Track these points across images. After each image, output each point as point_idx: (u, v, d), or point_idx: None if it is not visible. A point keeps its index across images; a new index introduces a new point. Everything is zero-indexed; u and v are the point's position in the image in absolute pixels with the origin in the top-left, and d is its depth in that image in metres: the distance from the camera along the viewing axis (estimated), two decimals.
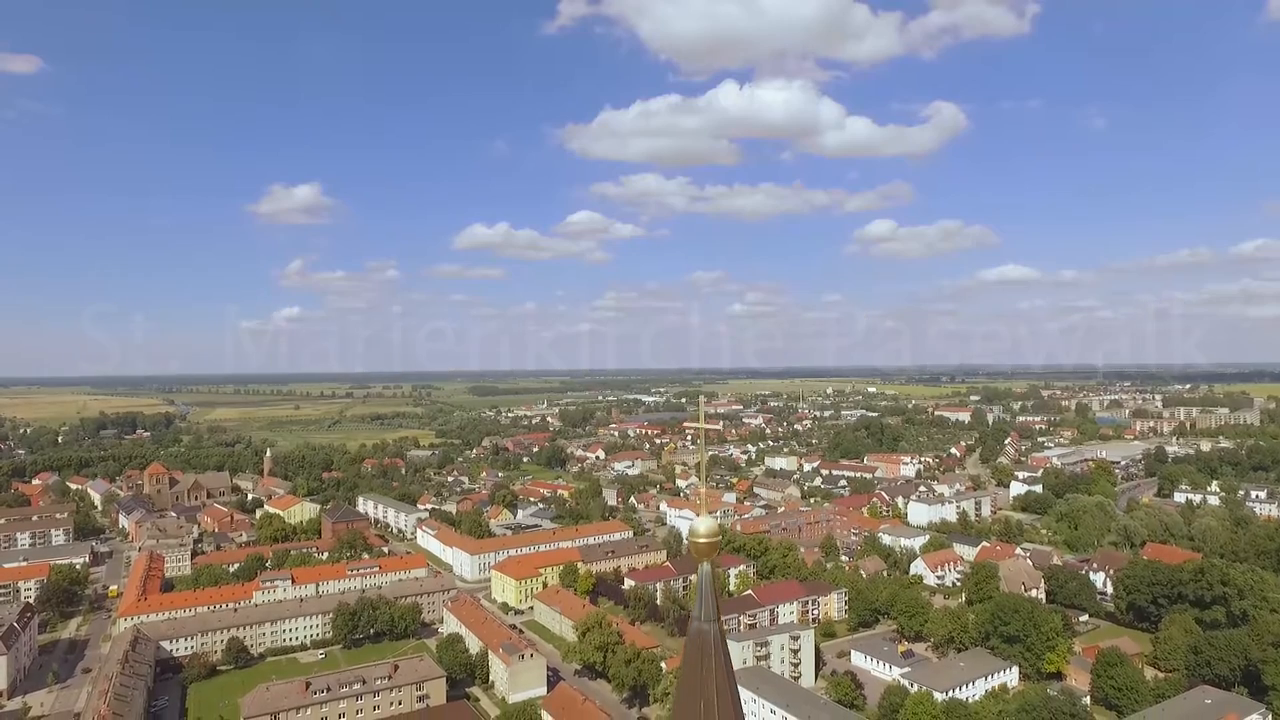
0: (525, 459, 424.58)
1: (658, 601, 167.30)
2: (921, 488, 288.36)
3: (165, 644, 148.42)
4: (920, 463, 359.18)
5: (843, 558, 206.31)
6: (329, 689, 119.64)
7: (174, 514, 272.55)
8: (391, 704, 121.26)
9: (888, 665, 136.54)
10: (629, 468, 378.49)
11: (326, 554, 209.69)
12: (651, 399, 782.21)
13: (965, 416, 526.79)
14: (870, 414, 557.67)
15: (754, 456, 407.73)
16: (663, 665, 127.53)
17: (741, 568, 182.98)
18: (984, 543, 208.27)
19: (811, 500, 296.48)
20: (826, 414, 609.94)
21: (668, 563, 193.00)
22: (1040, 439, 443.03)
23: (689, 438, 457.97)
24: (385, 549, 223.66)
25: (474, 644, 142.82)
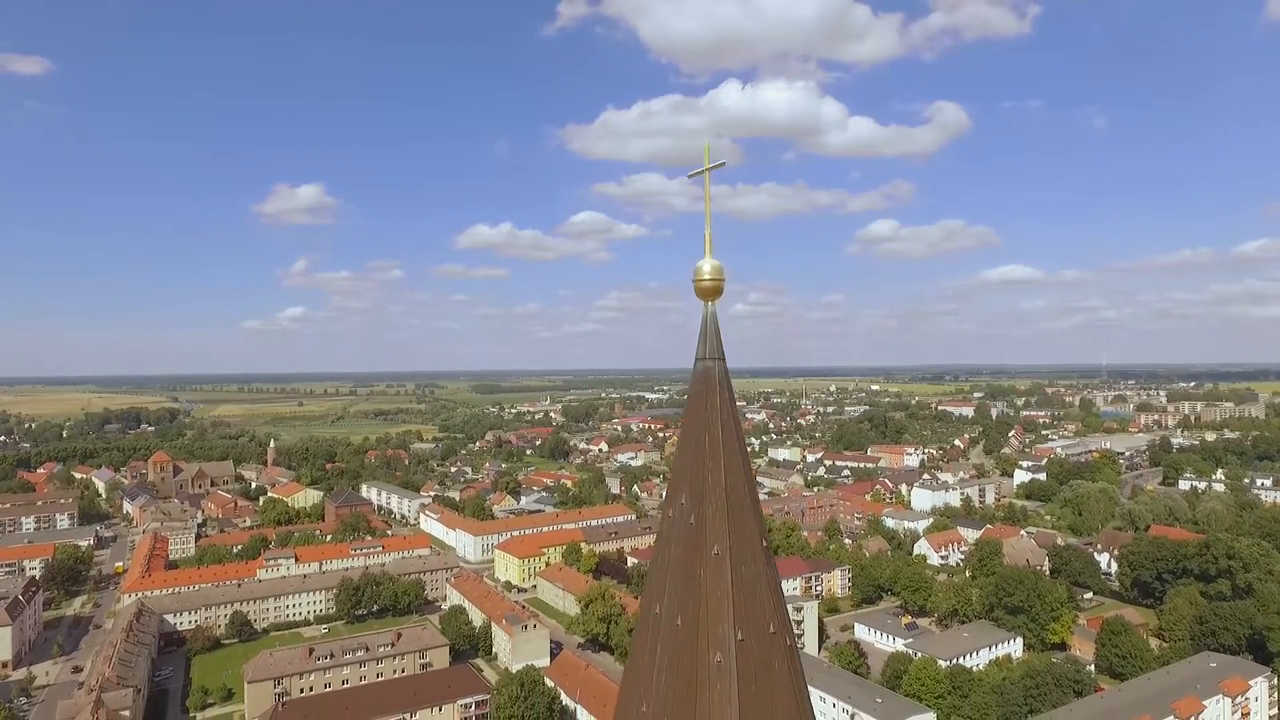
0: (528, 451, 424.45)
1: None
2: (925, 475, 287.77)
3: (169, 618, 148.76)
4: (924, 454, 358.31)
5: (846, 540, 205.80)
6: (332, 655, 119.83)
7: (178, 500, 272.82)
8: (394, 671, 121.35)
9: (891, 637, 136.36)
10: (632, 459, 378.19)
11: (330, 536, 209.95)
12: (655, 396, 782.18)
13: (969, 411, 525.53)
14: (874, 409, 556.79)
15: (757, 449, 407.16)
16: None
17: None
18: (988, 526, 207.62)
19: (815, 488, 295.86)
20: (829, 409, 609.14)
21: None
22: (1044, 432, 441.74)
23: None
24: (388, 531, 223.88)
25: (477, 617, 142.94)
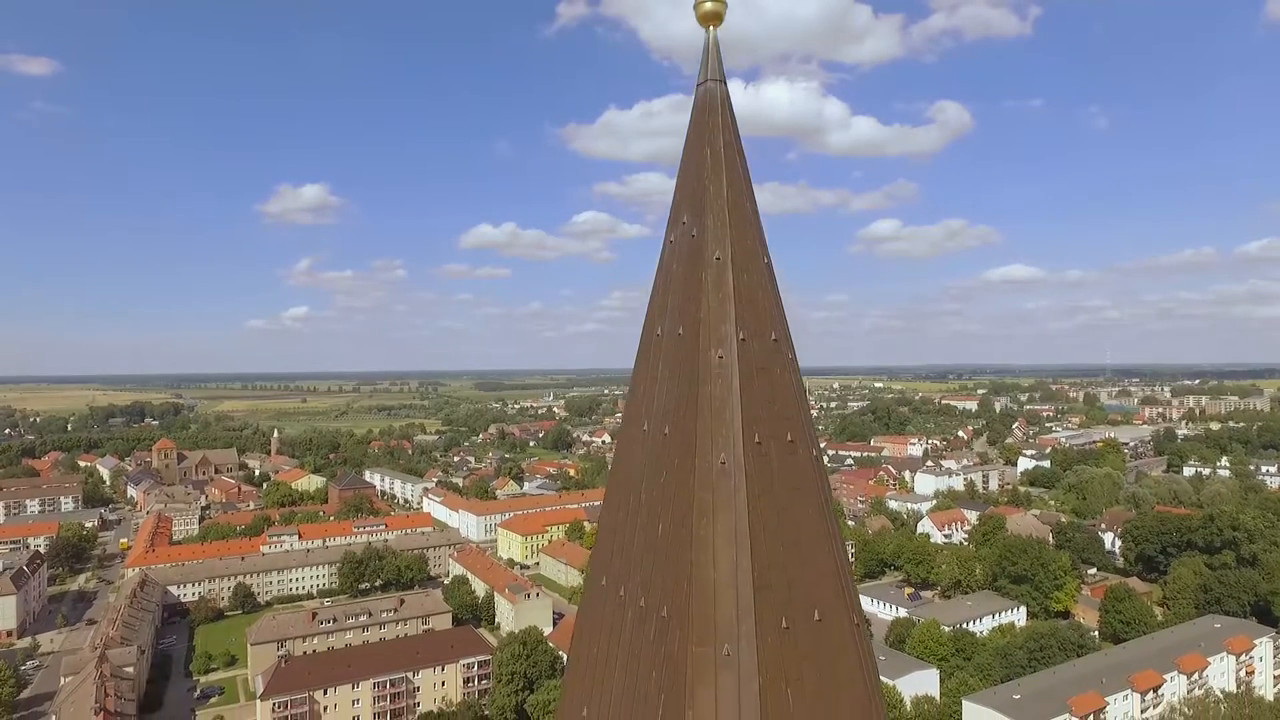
0: (531, 443, 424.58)
1: None
2: (929, 463, 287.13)
3: (173, 589, 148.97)
4: (928, 444, 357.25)
5: (849, 522, 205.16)
6: (335, 620, 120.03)
7: (182, 486, 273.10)
8: (397, 636, 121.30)
9: (894, 607, 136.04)
10: None
11: (333, 517, 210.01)
12: None
13: (973, 405, 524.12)
14: (877, 403, 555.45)
15: None
16: None
17: None
18: (991, 507, 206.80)
19: None
20: (833, 404, 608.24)
21: None
22: (1048, 424, 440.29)
23: None
24: (391, 513, 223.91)
25: (480, 588, 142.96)
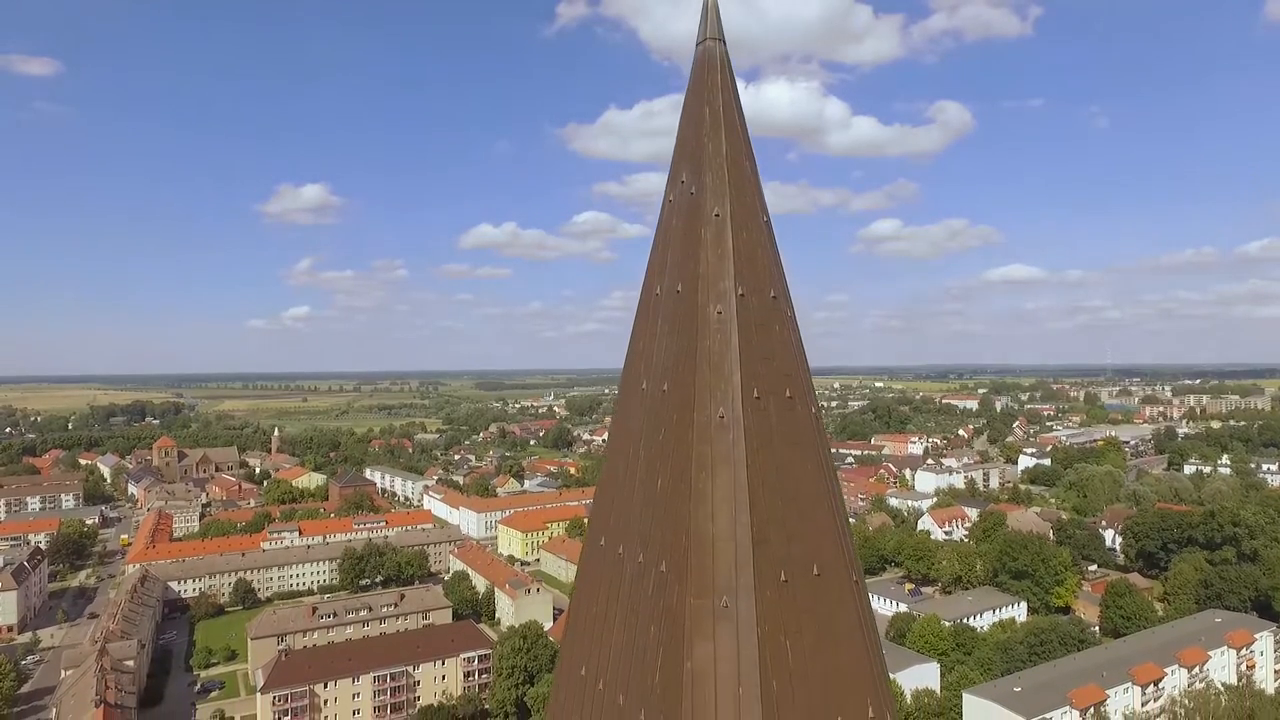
0: (532, 442, 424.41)
1: None
2: (929, 461, 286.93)
3: (174, 585, 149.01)
4: (928, 442, 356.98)
5: (850, 519, 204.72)
6: (335, 614, 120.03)
7: (182, 484, 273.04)
8: (397, 631, 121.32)
9: (894, 602, 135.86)
10: None
11: (333, 514, 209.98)
12: None
13: (973, 404, 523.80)
14: (878, 402, 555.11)
15: None
16: None
17: None
18: (991, 504, 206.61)
19: None
20: (833, 404, 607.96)
21: None
22: (1048, 423, 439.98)
23: None
24: (391, 510, 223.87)
25: (481, 584, 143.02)
